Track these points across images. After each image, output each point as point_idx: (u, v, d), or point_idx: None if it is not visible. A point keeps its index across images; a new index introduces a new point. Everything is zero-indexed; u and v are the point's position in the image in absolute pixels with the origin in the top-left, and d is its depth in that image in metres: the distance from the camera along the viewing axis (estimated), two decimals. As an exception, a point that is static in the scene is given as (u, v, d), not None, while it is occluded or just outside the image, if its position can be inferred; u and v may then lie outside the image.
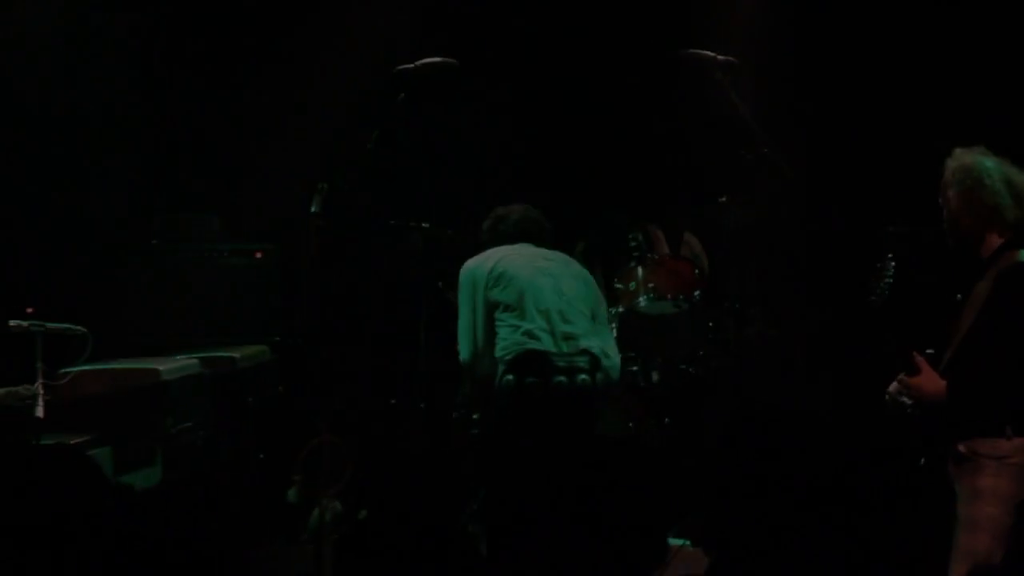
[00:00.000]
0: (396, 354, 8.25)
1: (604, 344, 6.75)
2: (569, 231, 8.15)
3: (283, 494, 7.21)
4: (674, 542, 6.79)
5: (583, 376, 6.58)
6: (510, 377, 6.55)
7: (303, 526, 7.09)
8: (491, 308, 6.70)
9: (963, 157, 5.41)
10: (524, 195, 7.08)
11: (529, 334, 6.60)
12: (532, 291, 6.65)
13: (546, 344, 6.58)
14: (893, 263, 5.47)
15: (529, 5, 8.84)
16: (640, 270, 7.71)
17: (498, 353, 6.65)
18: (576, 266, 7.00)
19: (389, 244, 7.96)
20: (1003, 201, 5.31)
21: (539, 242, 6.97)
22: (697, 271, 7.81)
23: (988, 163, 5.36)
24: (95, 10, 8.58)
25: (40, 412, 6.27)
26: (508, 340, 6.63)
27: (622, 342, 7.27)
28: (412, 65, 7.11)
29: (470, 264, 6.83)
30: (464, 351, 6.81)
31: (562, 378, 6.54)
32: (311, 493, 7.03)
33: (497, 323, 6.68)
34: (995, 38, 8.31)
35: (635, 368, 7.54)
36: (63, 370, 6.57)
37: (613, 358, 6.76)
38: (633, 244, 7.84)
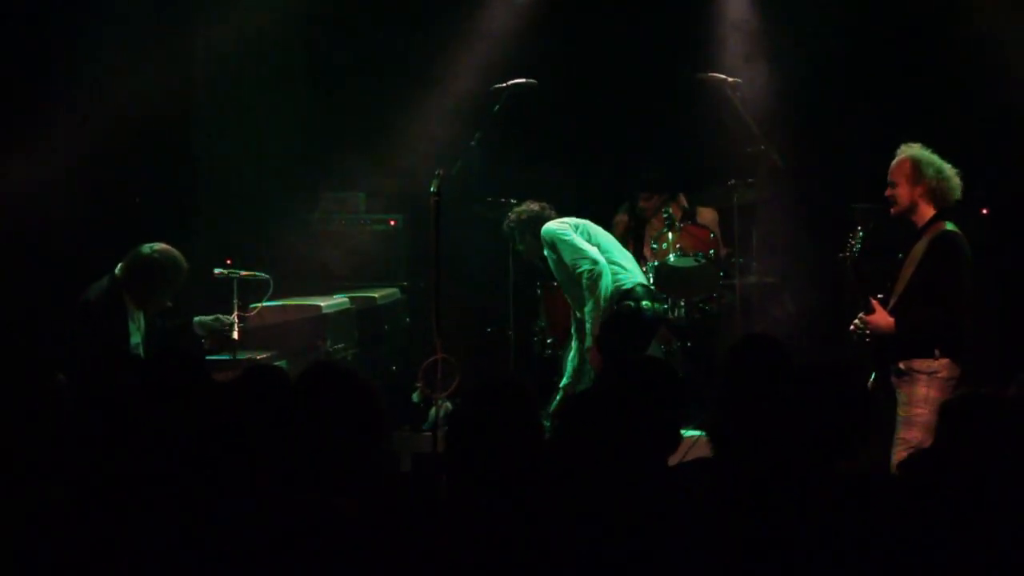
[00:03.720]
0: (491, 296, 8.30)
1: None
2: (617, 201, 8.28)
3: (409, 396, 7.34)
4: (693, 433, 6.85)
5: (665, 305, 6.67)
6: (630, 303, 6.57)
7: (423, 419, 7.24)
8: None
9: (908, 151, 5.44)
10: (585, 179, 7.02)
11: (625, 270, 6.64)
12: (611, 243, 6.70)
13: (638, 278, 6.65)
14: (861, 231, 5.47)
15: (590, 42, 8.77)
16: (670, 235, 7.69)
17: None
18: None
19: (486, 215, 7.99)
20: (936, 184, 5.34)
21: None
22: (712, 235, 7.82)
23: (926, 155, 5.38)
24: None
25: (236, 335, 6.33)
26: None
27: (657, 288, 7.25)
28: (504, 84, 7.20)
29: (555, 222, 6.76)
30: (597, 270, 6.57)
31: (655, 304, 6.67)
32: (429, 396, 7.17)
33: None
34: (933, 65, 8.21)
35: (666, 306, 7.52)
36: (252, 305, 6.59)
37: None
38: (665, 216, 7.84)
